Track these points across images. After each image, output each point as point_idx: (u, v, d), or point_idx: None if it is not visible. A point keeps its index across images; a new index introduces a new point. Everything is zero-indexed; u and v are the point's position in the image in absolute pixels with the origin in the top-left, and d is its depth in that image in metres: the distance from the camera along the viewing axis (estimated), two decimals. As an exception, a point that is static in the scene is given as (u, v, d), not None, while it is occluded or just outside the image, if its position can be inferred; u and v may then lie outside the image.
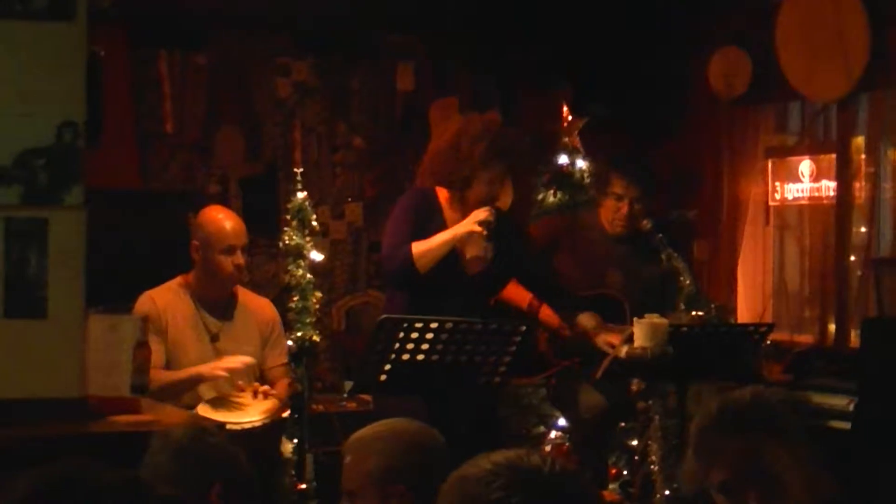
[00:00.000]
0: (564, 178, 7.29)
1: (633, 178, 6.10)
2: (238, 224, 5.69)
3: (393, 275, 5.50)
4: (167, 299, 5.59)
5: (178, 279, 5.69)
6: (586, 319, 5.83)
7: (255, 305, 5.82)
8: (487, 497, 2.10)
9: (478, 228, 5.31)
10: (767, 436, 2.83)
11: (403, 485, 3.31)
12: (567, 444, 6.16)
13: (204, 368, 5.40)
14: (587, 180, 7.08)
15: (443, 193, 5.57)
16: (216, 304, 5.69)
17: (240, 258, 5.61)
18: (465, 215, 5.45)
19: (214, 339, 5.63)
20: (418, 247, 5.36)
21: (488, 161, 5.46)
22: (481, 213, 5.33)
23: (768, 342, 6.07)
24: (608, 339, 5.72)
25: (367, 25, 8.04)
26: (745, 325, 6.26)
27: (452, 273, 5.38)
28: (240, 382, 5.43)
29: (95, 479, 2.29)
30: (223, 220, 5.66)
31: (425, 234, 5.43)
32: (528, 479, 2.13)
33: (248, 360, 5.41)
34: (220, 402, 5.39)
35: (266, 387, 5.45)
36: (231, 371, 5.35)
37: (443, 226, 5.51)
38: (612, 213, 6.11)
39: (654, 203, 6.31)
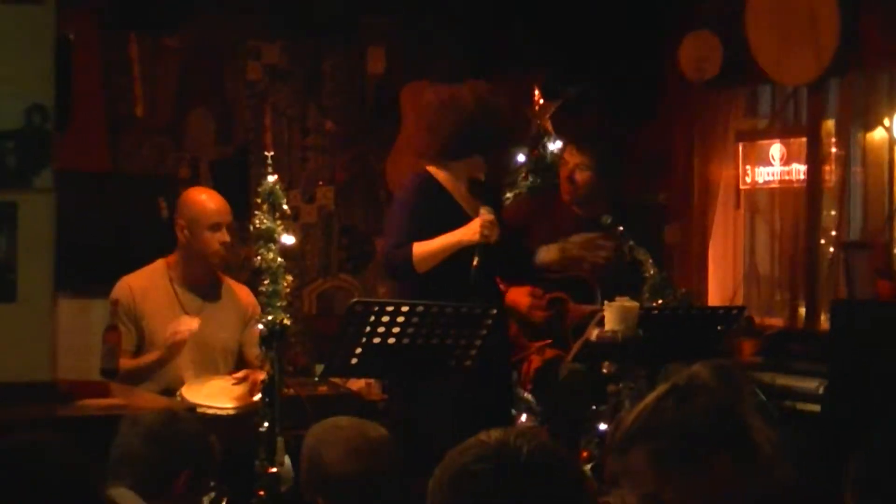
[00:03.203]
0: (536, 161, 7.30)
1: (583, 147, 6.12)
2: (223, 202, 5.78)
3: (392, 273, 5.50)
4: (143, 284, 5.60)
5: (160, 261, 5.72)
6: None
7: (237, 291, 5.85)
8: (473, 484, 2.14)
9: (488, 238, 5.31)
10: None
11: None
12: (539, 427, 6.16)
13: (160, 350, 5.41)
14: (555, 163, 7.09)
15: (440, 173, 5.56)
16: (200, 285, 5.71)
17: (225, 235, 5.67)
18: (470, 186, 5.46)
19: None
20: (419, 249, 5.32)
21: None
22: (488, 226, 5.31)
23: (741, 321, 6.10)
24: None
25: (339, 8, 8.02)
26: (715, 308, 6.27)
27: (458, 262, 5.35)
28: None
29: (48, 455, 2.28)
30: (206, 199, 5.74)
31: (438, 218, 5.40)
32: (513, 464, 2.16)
33: (193, 324, 5.42)
34: (200, 385, 5.39)
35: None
36: (179, 340, 5.34)
37: (454, 205, 5.50)
38: (566, 183, 6.15)
39: (619, 185, 6.31)
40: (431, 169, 5.59)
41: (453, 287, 5.18)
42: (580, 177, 6.12)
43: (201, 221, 5.64)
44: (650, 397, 2.69)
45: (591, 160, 6.10)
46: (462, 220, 5.44)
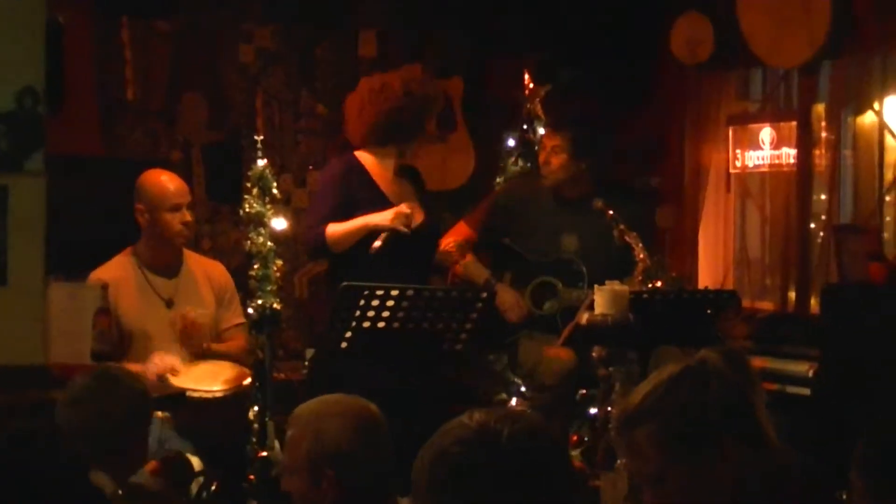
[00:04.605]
0: (526, 145, 7.30)
1: (559, 129, 6.14)
2: (180, 182, 5.74)
3: (310, 252, 5.59)
4: (114, 275, 5.54)
5: (126, 250, 5.69)
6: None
7: (206, 267, 5.84)
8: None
9: (404, 229, 5.42)
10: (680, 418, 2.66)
11: (334, 471, 3.31)
12: (528, 411, 6.17)
13: (138, 368, 5.39)
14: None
15: (366, 158, 5.64)
16: (166, 267, 5.69)
17: (186, 215, 5.64)
18: (397, 171, 5.60)
19: (169, 304, 5.62)
20: (332, 230, 5.43)
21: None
22: (402, 217, 5.44)
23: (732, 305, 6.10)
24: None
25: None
26: (706, 292, 6.27)
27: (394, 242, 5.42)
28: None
29: (39, 444, 2.28)
30: (165, 180, 5.70)
31: (360, 202, 5.53)
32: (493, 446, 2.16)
33: (175, 362, 5.40)
34: (188, 369, 5.39)
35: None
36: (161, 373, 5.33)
37: (376, 190, 5.60)
38: (543, 165, 6.16)
39: (606, 168, 6.31)
40: (358, 153, 5.72)
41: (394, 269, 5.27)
42: (556, 159, 6.12)
43: (161, 204, 5.61)
44: (660, 378, 2.71)
45: (567, 142, 6.11)
46: (383, 204, 5.59)
